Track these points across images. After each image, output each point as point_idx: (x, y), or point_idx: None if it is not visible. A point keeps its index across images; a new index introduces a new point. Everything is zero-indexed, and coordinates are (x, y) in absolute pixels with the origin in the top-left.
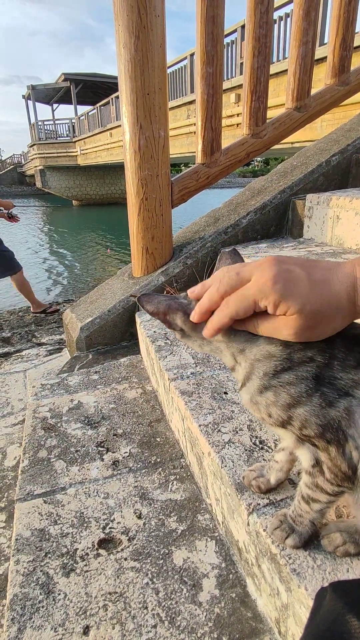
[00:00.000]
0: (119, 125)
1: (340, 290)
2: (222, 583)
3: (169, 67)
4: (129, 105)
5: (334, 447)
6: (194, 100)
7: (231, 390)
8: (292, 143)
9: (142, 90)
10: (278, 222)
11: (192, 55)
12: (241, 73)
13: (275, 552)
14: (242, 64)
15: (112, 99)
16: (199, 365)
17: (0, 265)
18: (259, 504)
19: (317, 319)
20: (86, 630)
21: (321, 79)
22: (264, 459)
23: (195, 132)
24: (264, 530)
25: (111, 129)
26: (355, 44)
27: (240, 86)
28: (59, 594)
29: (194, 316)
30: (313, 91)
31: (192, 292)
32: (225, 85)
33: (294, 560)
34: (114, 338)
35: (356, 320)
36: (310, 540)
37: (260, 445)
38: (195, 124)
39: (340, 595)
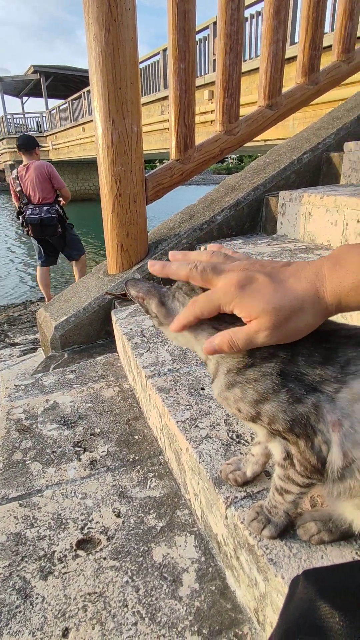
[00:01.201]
0: (92, 120)
1: (306, 287)
2: (201, 577)
3: (141, 62)
4: (101, 100)
5: (303, 441)
6: (168, 96)
7: (208, 386)
8: (265, 141)
9: (113, 85)
10: (252, 218)
11: (164, 50)
12: (214, 70)
13: (252, 543)
14: (214, 60)
15: (84, 92)
16: (175, 362)
17: (74, 247)
18: (237, 497)
19: (285, 314)
20: (65, 633)
21: (292, 78)
22: (240, 453)
23: (169, 128)
24: (242, 522)
25: (84, 123)
26: (325, 44)
27: (213, 83)
28: (37, 598)
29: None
30: (284, 89)
31: (173, 256)
32: (199, 81)
33: (271, 550)
34: (90, 336)
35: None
36: (286, 530)
37: (237, 439)
38: (169, 120)
39: (312, 582)
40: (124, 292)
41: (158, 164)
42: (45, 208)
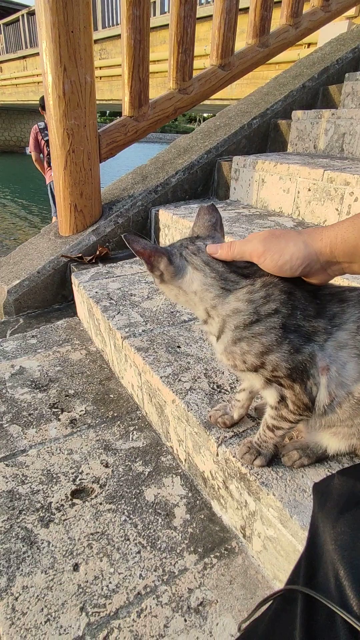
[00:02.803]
0: (11, 59)
1: (304, 233)
2: (191, 509)
3: None
4: (51, 43)
5: (298, 385)
6: (104, 38)
7: (184, 344)
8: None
9: (65, 27)
10: (205, 182)
11: None
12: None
13: (245, 472)
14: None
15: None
16: (148, 323)
17: None
18: (226, 437)
19: (278, 233)
20: (76, 567)
21: (244, 31)
22: (223, 400)
23: (100, 77)
24: (234, 456)
25: (1, 62)
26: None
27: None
28: (42, 543)
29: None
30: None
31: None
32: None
33: (261, 476)
34: (46, 301)
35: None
36: (272, 460)
37: (218, 390)
38: (103, 67)
39: (347, 476)
40: (80, 254)
41: None
42: None
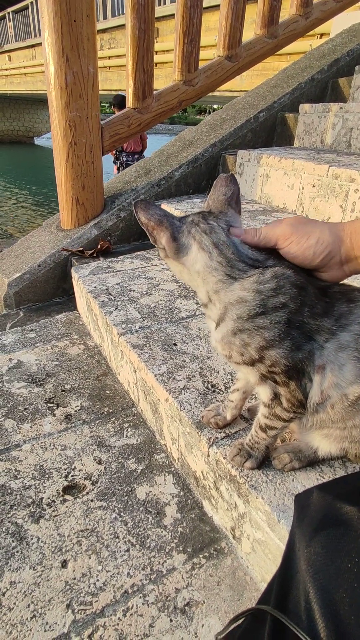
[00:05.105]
0: (19, 48)
1: (330, 223)
2: (182, 508)
3: None
4: (53, 32)
5: (294, 382)
6: (114, 27)
7: (180, 342)
8: None
9: (67, 16)
10: (209, 176)
11: None
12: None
13: (234, 474)
14: None
15: (8, 13)
16: (145, 319)
17: None
18: (217, 438)
19: (306, 220)
20: (64, 564)
21: (254, 21)
22: (216, 400)
23: (109, 67)
24: (224, 458)
25: (9, 51)
26: None
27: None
28: (32, 539)
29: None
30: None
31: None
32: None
33: (251, 479)
34: (46, 294)
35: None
36: (263, 462)
37: (212, 389)
38: (109, 57)
39: (326, 492)
40: (81, 248)
41: None
42: (136, 156)
